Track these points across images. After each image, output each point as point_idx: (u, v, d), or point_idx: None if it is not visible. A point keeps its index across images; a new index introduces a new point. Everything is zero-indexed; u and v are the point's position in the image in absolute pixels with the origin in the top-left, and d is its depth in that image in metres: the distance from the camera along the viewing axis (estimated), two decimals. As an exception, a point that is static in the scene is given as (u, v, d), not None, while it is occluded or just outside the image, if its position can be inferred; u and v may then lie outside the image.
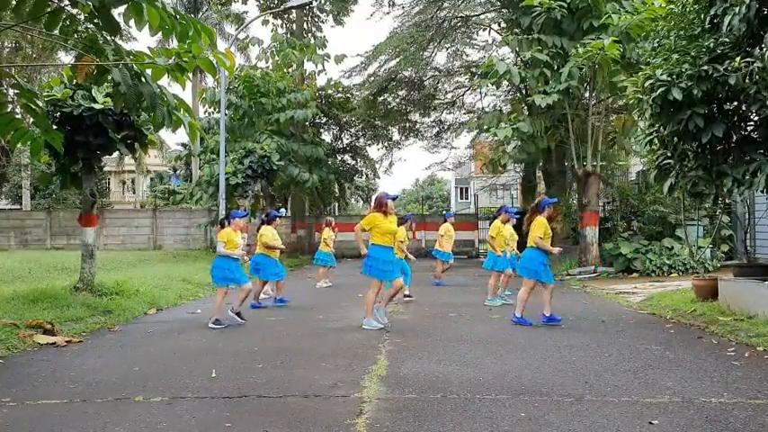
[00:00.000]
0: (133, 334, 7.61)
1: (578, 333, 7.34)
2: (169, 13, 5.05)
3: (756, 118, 7.56)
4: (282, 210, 27.32)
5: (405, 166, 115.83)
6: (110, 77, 5.36)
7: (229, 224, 8.48)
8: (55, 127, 6.68)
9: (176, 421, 4.12)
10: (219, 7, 27.47)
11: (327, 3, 25.19)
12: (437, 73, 26.04)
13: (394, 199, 7.98)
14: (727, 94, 7.49)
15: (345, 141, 30.13)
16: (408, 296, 10.59)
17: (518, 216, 10.80)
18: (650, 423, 3.95)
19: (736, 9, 6.77)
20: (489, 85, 17.14)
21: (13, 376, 5.39)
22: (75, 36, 5.46)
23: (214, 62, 5.65)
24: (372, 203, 8.24)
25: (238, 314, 8.29)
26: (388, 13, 24.70)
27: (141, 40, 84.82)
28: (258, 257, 10.12)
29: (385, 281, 7.79)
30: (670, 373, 5.30)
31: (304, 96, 21.66)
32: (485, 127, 17.09)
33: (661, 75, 7.61)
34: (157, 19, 4.92)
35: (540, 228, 7.85)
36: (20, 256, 18.64)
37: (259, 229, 10.43)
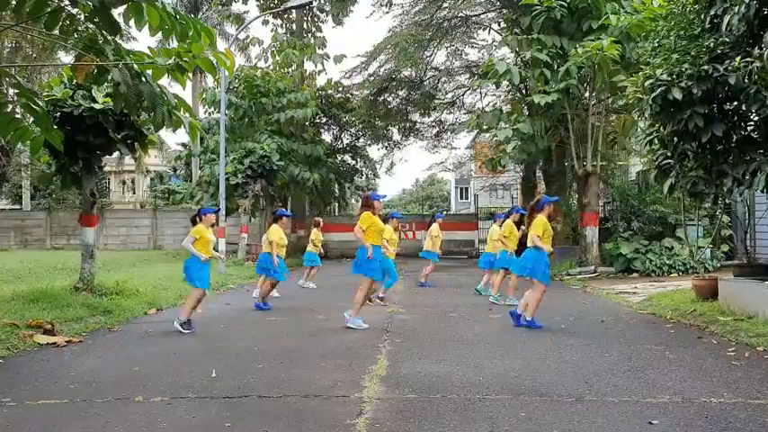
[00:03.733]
0: (133, 334, 7.61)
1: (578, 333, 7.34)
2: (169, 13, 5.05)
3: (756, 118, 7.56)
4: (282, 210, 27.32)
5: (405, 167, 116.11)
6: (110, 77, 5.36)
7: (201, 220, 7.96)
8: (55, 127, 6.67)
9: (176, 421, 4.12)
10: (220, 7, 27.46)
11: (327, 3, 25.17)
12: (437, 73, 26.04)
13: (378, 200, 8.04)
14: (727, 93, 7.50)
15: (345, 141, 30.11)
16: (381, 298, 10.30)
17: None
18: (650, 423, 3.95)
19: (736, 9, 6.77)
20: (489, 84, 17.13)
21: (13, 376, 5.39)
22: (75, 36, 5.46)
23: (214, 62, 5.66)
24: (361, 203, 8.22)
25: (187, 323, 7.69)
26: (387, 13, 24.66)
27: (141, 40, 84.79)
28: (266, 256, 10.04)
29: (377, 279, 7.85)
30: (670, 373, 5.30)
31: (304, 96, 21.65)
32: (484, 126, 17.08)
33: (661, 75, 7.62)
34: (157, 19, 4.92)
35: (539, 227, 7.69)
36: (20, 256, 18.65)
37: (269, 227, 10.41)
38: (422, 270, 13.57)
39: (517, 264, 8.07)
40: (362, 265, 7.72)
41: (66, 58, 20.46)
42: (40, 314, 7.66)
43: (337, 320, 8.53)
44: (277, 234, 10.10)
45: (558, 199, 8.48)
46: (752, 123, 7.86)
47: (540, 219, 7.75)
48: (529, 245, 7.83)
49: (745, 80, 6.91)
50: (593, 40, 13.41)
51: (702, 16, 7.65)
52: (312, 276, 13.46)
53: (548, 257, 7.71)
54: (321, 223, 14.26)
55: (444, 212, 27.42)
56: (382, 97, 26.08)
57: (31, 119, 5.87)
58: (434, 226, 13.17)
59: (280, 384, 5.02)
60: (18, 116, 6.11)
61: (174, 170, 39.07)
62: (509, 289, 10.03)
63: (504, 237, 10.25)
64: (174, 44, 6.19)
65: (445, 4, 22.74)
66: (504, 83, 17.69)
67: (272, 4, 23.76)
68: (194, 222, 8.02)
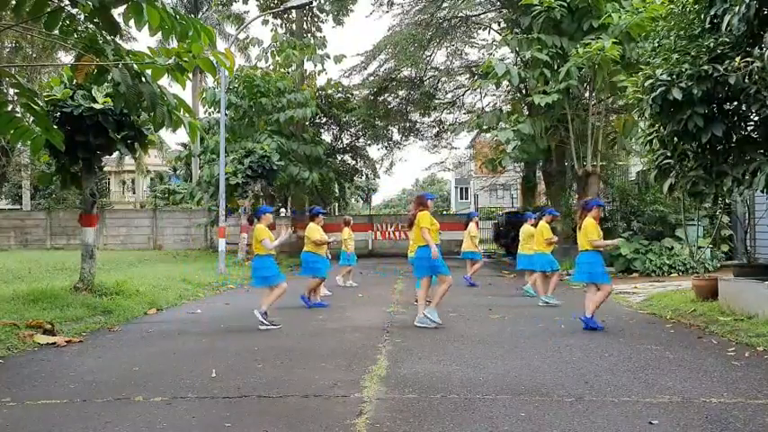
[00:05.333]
0: (133, 334, 7.61)
1: (578, 333, 7.34)
2: (169, 13, 5.05)
3: (756, 118, 7.56)
4: (282, 210, 27.33)
5: (405, 166, 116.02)
6: (110, 77, 5.37)
7: (259, 220, 8.15)
8: (55, 126, 6.69)
9: (176, 421, 4.12)
10: (220, 7, 27.45)
11: (327, 3, 25.17)
12: (437, 73, 26.04)
13: (432, 200, 8.29)
14: (727, 94, 7.49)
15: (345, 141, 30.12)
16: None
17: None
18: (650, 423, 3.95)
19: (736, 9, 6.77)
20: (490, 85, 17.12)
21: (13, 376, 5.39)
22: (75, 36, 5.47)
23: (214, 62, 5.66)
24: (416, 203, 8.11)
25: (265, 314, 7.97)
26: (387, 12, 24.65)
27: (141, 40, 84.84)
28: (306, 255, 10.03)
29: (440, 275, 7.87)
30: (670, 373, 5.30)
31: (304, 96, 21.65)
32: (484, 127, 17.09)
33: (661, 75, 7.62)
34: (157, 19, 4.92)
35: (593, 230, 7.67)
36: (20, 256, 18.65)
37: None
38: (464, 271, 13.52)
39: (576, 270, 8.02)
40: (420, 267, 7.81)
41: (66, 58, 20.48)
42: (40, 314, 7.66)
43: (337, 321, 8.54)
44: (317, 232, 10.07)
45: (603, 204, 8.45)
46: (752, 123, 7.86)
47: (591, 221, 7.75)
48: (585, 248, 7.74)
49: (745, 80, 6.91)
50: (593, 40, 13.41)
51: (702, 16, 7.65)
52: (348, 275, 13.49)
53: (602, 257, 7.79)
54: (351, 222, 14.07)
55: (445, 212, 27.40)
56: (382, 97, 26.07)
57: (32, 118, 5.87)
58: (471, 225, 13.27)
59: (280, 384, 5.02)
60: (18, 116, 6.11)
61: (174, 170, 39.11)
62: (541, 287, 10.12)
63: (546, 238, 10.17)
64: (173, 44, 6.20)
65: (445, 4, 22.73)
66: (505, 83, 17.71)
67: (272, 4, 23.76)
68: (251, 222, 8.27)
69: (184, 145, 31.05)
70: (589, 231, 7.68)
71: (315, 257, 10.00)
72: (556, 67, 14.63)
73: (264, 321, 7.81)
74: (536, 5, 14.20)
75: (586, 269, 7.70)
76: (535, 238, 10.53)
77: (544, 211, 10.81)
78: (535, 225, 10.69)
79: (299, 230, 25.49)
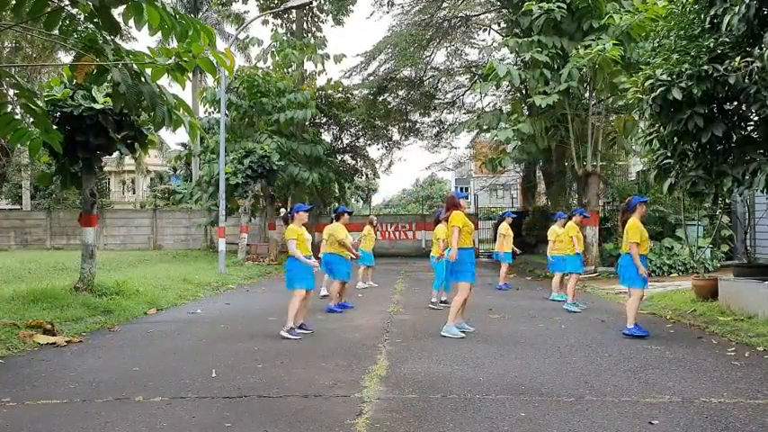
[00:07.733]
0: (133, 334, 7.61)
1: (578, 333, 7.34)
2: (169, 12, 5.05)
3: (756, 118, 7.57)
4: (282, 210, 27.32)
5: (405, 166, 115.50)
6: (109, 77, 5.36)
7: (293, 220, 7.65)
8: (55, 127, 6.69)
9: (176, 421, 4.12)
10: (220, 7, 27.44)
11: (327, 2, 25.17)
12: (437, 73, 26.05)
13: (465, 198, 7.89)
14: (727, 93, 7.50)
15: (345, 141, 30.08)
16: (444, 301, 9.96)
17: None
18: (650, 423, 3.95)
19: (736, 9, 6.78)
20: (491, 86, 17.13)
21: (13, 376, 5.39)
22: (75, 36, 5.46)
23: (214, 62, 5.65)
24: (447, 204, 7.60)
25: (301, 326, 7.54)
26: (387, 12, 24.70)
27: (141, 40, 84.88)
28: (329, 257, 9.53)
29: (474, 283, 7.34)
30: (670, 373, 5.30)
31: (304, 96, 21.65)
32: (485, 127, 17.09)
33: (661, 75, 7.62)
34: (157, 19, 4.92)
35: (635, 232, 7.11)
36: (20, 256, 18.65)
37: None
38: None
39: (622, 275, 7.49)
40: (458, 271, 7.25)
41: (67, 58, 20.46)
42: (40, 314, 7.66)
43: (337, 320, 8.54)
44: (343, 232, 9.56)
45: (647, 200, 8.03)
46: (752, 123, 7.87)
47: (634, 222, 7.22)
48: (625, 250, 7.32)
49: (745, 80, 6.92)
50: (593, 40, 13.40)
51: (702, 16, 7.66)
52: (367, 276, 13.16)
53: (642, 261, 7.20)
54: (375, 221, 13.54)
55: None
56: (382, 97, 26.08)
57: (31, 119, 5.87)
58: (503, 224, 12.99)
59: (280, 384, 5.02)
60: (18, 117, 6.11)
61: (174, 170, 39.08)
62: (563, 289, 10.13)
63: (570, 238, 9.93)
64: (173, 44, 6.19)
65: (445, 4, 22.76)
66: (505, 83, 17.72)
67: (272, 4, 23.74)
68: (287, 222, 7.76)
69: (184, 145, 31.07)
70: (630, 234, 7.15)
71: (336, 259, 9.46)
72: (556, 68, 14.64)
73: (288, 335, 7.27)
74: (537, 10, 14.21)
75: (622, 272, 7.36)
76: (551, 237, 10.53)
77: (574, 212, 10.71)
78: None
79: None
